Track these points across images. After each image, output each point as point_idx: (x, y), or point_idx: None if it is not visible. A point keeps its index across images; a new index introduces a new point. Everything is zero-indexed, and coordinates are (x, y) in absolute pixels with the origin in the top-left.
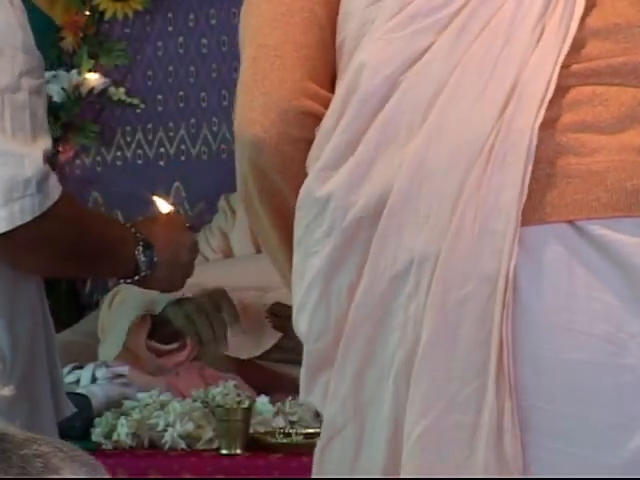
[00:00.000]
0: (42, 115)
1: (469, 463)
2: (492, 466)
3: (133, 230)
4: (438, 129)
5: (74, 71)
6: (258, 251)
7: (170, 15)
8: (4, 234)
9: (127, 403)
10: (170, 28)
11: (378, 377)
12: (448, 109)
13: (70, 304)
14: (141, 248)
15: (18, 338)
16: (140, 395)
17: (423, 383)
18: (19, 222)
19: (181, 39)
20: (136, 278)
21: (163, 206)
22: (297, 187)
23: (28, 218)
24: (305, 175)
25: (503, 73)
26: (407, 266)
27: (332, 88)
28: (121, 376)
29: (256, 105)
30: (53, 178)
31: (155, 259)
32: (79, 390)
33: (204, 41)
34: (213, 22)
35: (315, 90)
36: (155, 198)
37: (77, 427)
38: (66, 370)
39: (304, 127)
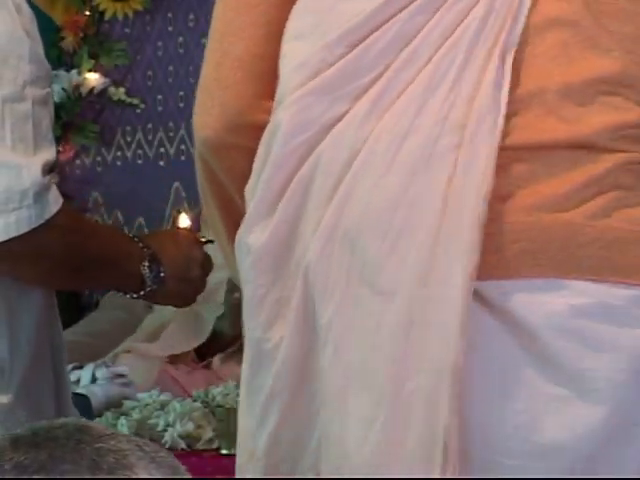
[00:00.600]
0: (47, 126)
1: None
2: None
3: (140, 244)
4: (348, 197)
5: (74, 71)
6: None
7: (170, 15)
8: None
9: (127, 403)
10: (170, 28)
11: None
12: (360, 177)
13: (70, 304)
14: (147, 262)
15: (19, 343)
16: (140, 395)
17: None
18: (14, 233)
19: (181, 39)
20: (142, 293)
21: (184, 221)
22: (242, 189)
23: (24, 229)
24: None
25: (413, 142)
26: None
27: None
28: (121, 376)
29: (214, 112)
30: (54, 190)
31: (162, 274)
32: (79, 390)
33: (204, 41)
34: None
35: (269, 106)
36: (182, 215)
37: None
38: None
39: (254, 139)
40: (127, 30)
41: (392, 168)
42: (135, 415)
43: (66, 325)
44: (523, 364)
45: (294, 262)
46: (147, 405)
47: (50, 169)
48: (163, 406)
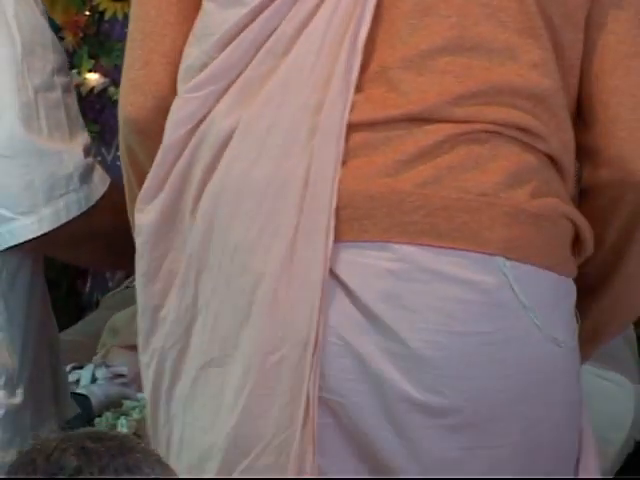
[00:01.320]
0: (76, 111)
1: None
2: None
3: None
4: (222, 184)
5: (74, 71)
6: None
7: None
8: (51, 231)
9: (127, 403)
10: None
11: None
12: (232, 164)
13: (70, 304)
14: None
15: (27, 343)
16: (140, 395)
17: (246, 428)
18: (64, 219)
19: None
20: None
21: None
22: (152, 156)
23: (75, 213)
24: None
25: (279, 130)
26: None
27: None
28: (121, 376)
29: (137, 100)
30: (99, 170)
31: None
32: (79, 390)
33: None
34: None
35: None
36: None
37: (77, 427)
38: (66, 370)
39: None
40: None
41: (260, 157)
42: (135, 415)
43: (66, 325)
44: (360, 324)
45: (180, 238)
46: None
47: (89, 152)
48: None
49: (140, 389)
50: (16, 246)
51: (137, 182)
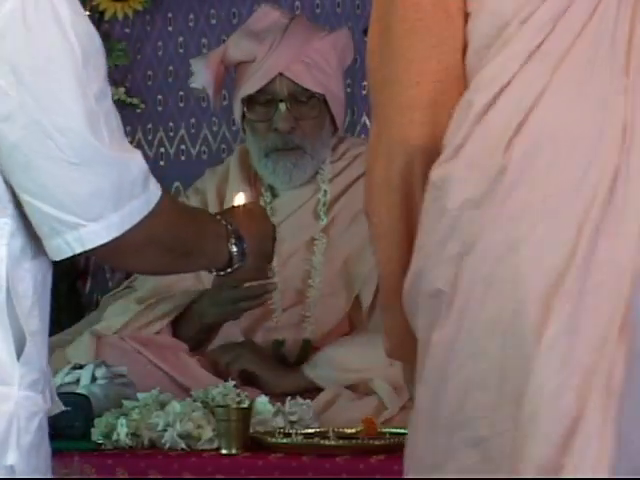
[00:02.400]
0: (118, 117)
1: None
2: None
3: (223, 222)
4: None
5: None
6: None
7: (170, 15)
8: (116, 238)
9: (127, 403)
10: (170, 28)
11: None
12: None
13: (70, 304)
14: (233, 240)
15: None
16: (140, 395)
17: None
18: (128, 225)
19: (181, 39)
20: (228, 270)
21: (240, 200)
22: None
23: (137, 219)
24: None
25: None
26: None
27: None
28: (121, 376)
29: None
30: (151, 176)
31: (245, 250)
32: (79, 390)
33: (204, 41)
34: (213, 22)
35: None
36: (240, 194)
37: (77, 427)
38: (66, 370)
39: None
40: (127, 30)
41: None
42: (135, 415)
43: (66, 325)
44: None
45: None
46: (147, 405)
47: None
48: (163, 406)
49: (140, 389)
50: (80, 254)
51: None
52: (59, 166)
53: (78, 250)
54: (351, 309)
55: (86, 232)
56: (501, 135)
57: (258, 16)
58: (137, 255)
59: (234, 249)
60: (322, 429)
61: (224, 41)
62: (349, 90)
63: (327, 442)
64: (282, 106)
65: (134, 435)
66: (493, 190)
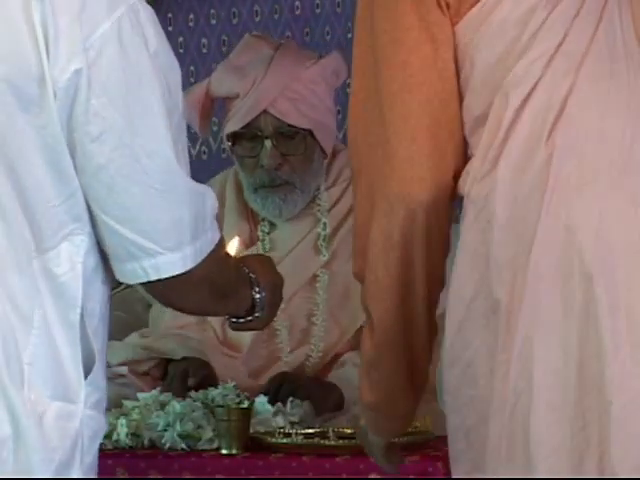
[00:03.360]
0: None
1: None
2: None
3: (246, 269)
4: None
5: None
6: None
7: (170, 15)
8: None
9: (127, 403)
10: (170, 28)
11: None
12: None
13: None
14: (257, 288)
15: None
16: (140, 395)
17: None
18: (199, 259)
19: (181, 39)
20: (249, 318)
21: (232, 247)
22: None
23: (206, 254)
24: None
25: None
26: None
27: None
28: (121, 376)
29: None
30: None
31: (265, 300)
32: None
33: (204, 41)
34: (213, 22)
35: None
36: (234, 240)
37: None
38: None
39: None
40: None
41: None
42: (135, 415)
43: None
44: None
45: None
46: (147, 405)
47: None
48: (163, 406)
49: (140, 389)
50: (148, 282)
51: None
52: (144, 191)
53: (153, 277)
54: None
55: (163, 261)
56: (540, 131)
57: (242, 49)
58: (192, 292)
59: (257, 297)
60: (322, 429)
61: (224, 41)
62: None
63: (327, 442)
64: (268, 143)
65: (134, 435)
66: (541, 180)
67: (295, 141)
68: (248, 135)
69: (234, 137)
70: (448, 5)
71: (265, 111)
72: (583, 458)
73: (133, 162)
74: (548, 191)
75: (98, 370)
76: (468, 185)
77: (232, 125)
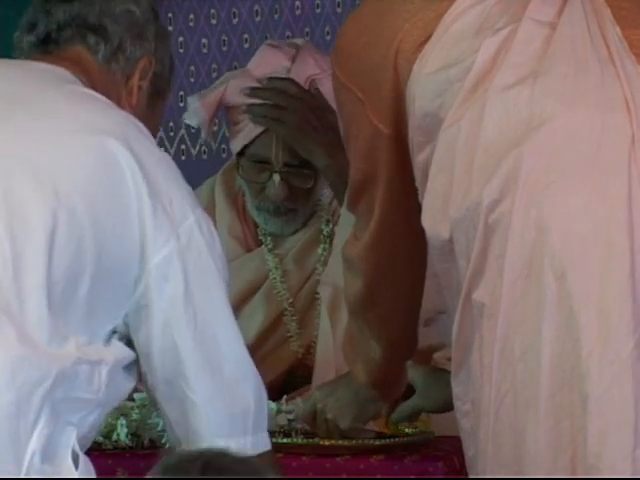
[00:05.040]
0: None
1: None
2: None
3: None
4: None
5: None
6: (248, 250)
7: (170, 15)
8: None
9: (127, 403)
10: (170, 28)
11: None
12: None
13: None
14: None
15: None
16: (139, 395)
17: None
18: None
19: (181, 39)
20: None
21: None
22: None
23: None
24: None
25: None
26: None
27: None
28: None
29: None
30: None
31: None
32: None
33: (204, 41)
34: (213, 22)
35: None
36: None
37: None
38: None
39: None
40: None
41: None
42: (135, 415)
43: None
44: None
45: None
46: (147, 405)
47: None
48: None
49: (140, 389)
50: None
51: None
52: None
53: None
54: None
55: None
56: (508, 135)
57: (260, 60)
58: None
59: None
60: None
61: (224, 41)
62: None
63: (327, 442)
64: (276, 177)
65: (134, 435)
66: (514, 182)
67: (304, 175)
68: (257, 161)
69: (242, 155)
70: None
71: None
72: (557, 456)
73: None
74: (519, 191)
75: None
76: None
77: (244, 137)
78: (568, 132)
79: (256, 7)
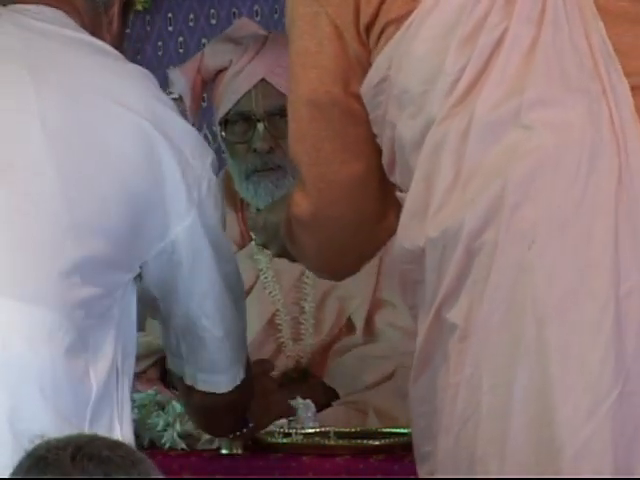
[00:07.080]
0: None
1: None
2: None
3: None
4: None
5: None
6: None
7: (170, 15)
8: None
9: None
10: (170, 28)
11: None
12: None
13: None
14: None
15: None
16: (139, 395)
17: None
18: (238, 382)
19: (181, 39)
20: (238, 434)
21: None
22: None
23: (241, 378)
24: None
25: None
26: None
27: None
28: None
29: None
30: None
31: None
32: None
33: (204, 41)
34: (213, 22)
35: None
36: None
37: None
38: None
39: None
40: (127, 30)
41: None
42: (134, 415)
43: None
44: None
45: None
46: (146, 405)
47: None
48: (162, 406)
49: (139, 389)
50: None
51: None
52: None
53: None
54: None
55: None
56: (497, 163)
57: (237, 26)
58: (216, 417)
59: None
60: (322, 429)
61: None
62: None
63: (327, 442)
64: (260, 126)
65: (134, 435)
66: (498, 213)
67: (287, 122)
68: (239, 119)
69: (225, 124)
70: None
71: (259, 84)
72: None
73: None
74: (503, 225)
75: None
76: (428, 221)
77: (227, 102)
78: (554, 163)
79: (256, 7)
